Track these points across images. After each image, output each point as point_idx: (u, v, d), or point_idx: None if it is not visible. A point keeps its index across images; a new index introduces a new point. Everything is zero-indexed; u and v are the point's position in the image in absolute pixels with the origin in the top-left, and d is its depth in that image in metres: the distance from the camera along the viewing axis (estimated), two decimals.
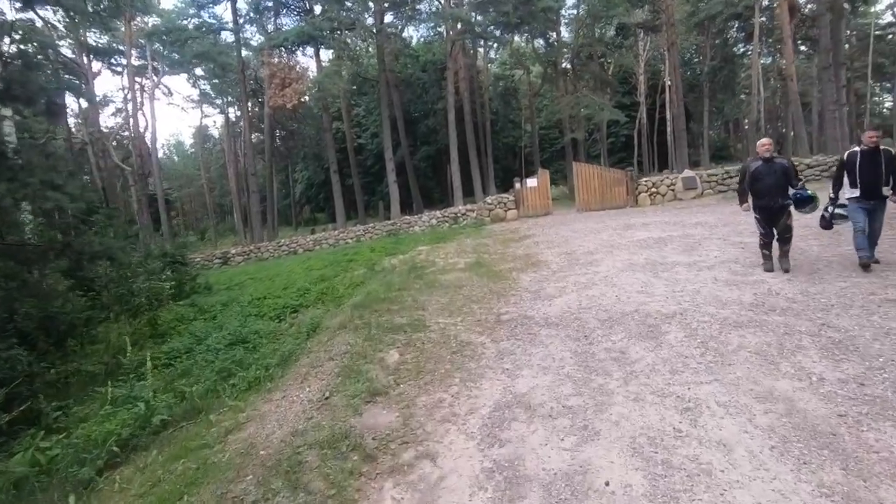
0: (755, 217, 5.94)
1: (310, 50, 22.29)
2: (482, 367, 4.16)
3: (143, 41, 24.58)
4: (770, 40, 29.32)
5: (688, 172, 15.99)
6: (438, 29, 30.86)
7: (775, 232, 5.84)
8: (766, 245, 5.96)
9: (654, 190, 16.02)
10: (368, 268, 10.31)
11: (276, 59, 18.79)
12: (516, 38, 33.54)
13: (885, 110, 47.04)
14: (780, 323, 4.22)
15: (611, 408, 3.22)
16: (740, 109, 52.47)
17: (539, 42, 31.53)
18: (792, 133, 25.14)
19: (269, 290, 9.45)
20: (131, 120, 31.18)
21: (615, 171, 16.70)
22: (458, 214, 18.73)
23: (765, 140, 5.87)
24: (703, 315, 4.62)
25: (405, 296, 6.91)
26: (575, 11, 24.23)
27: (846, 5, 18.17)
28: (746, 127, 58.93)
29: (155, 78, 35.86)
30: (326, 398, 3.95)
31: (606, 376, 3.67)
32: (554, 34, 26.13)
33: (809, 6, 24.55)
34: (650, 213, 13.06)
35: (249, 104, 30.25)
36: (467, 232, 15.24)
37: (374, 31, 19.41)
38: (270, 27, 24.16)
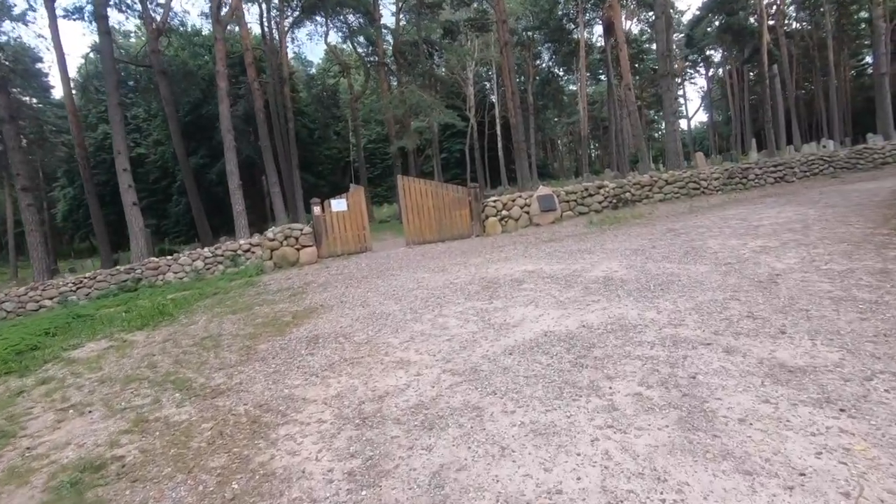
0: None
1: None
2: None
3: None
4: (591, 58, 29.70)
5: (543, 190, 12.49)
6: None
7: None
8: None
9: (504, 212, 12.09)
10: None
11: None
12: (333, 35, 28.73)
13: (657, 135, 55.05)
14: None
15: None
16: (556, 130, 56.67)
17: (360, 40, 27.79)
18: (615, 149, 24.89)
19: None
20: None
21: (454, 188, 12.35)
22: (239, 252, 12.32)
23: None
24: None
25: None
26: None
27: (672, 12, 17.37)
28: (562, 147, 64.45)
29: None
30: None
31: None
32: (373, 30, 21.72)
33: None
34: (511, 251, 8.75)
35: None
36: (230, 288, 9.03)
37: None
38: None
